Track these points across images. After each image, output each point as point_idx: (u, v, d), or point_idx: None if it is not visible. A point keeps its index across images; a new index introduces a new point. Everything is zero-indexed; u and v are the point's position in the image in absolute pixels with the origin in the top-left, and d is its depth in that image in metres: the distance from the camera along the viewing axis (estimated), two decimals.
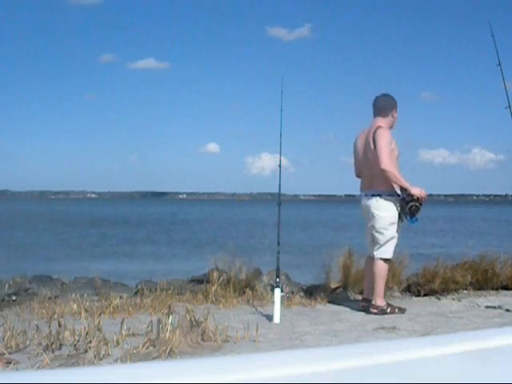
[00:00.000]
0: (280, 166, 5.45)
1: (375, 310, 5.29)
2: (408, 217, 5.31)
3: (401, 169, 5.43)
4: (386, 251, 5.34)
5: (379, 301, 5.33)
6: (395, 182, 5.29)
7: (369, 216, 5.41)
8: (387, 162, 5.20)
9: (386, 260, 5.36)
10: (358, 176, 5.63)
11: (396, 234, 5.36)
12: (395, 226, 5.35)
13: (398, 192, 5.35)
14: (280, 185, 5.43)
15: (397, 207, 5.34)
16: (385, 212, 5.34)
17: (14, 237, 19.58)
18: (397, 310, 5.36)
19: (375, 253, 5.35)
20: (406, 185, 5.27)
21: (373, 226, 5.36)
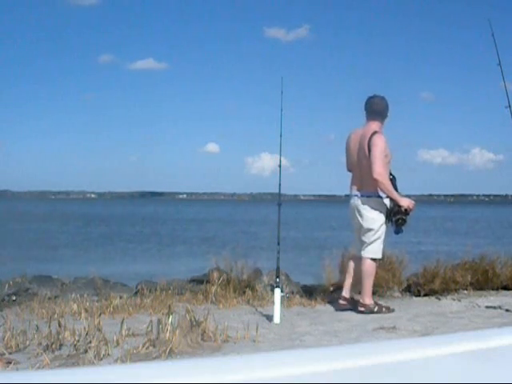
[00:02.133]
0: (280, 166, 5.45)
1: (363, 309, 5.30)
2: (393, 227, 5.34)
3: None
4: (375, 251, 5.36)
5: (367, 299, 5.34)
6: (385, 193, 5.30)
7: (357, 215, 5.42)
8: (380, 172, 5.21)
9: (374, 259, 5.38)
10: (349, 170, 5.65)
11: (383, 235, 5.37)
12: (384, 227, 5.36)
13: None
14: (280, 185, 5.44)
15: (386, 208, 5.35)
16: (374, 212, 5.36)
17: (13, 237, 19.58)
18: (384, 309, 5.37)
19: (363, 252, 5.37)
20: (396, 196, 5.28)
21: (362, 226, 5.38)
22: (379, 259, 5.49)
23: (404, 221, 5.31)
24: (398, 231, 5.36)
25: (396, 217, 5.29)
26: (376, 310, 5.32)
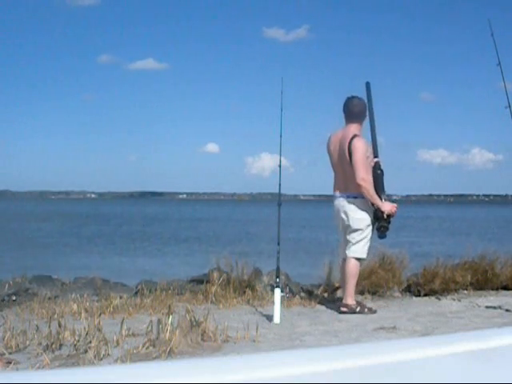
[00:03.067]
0: (280, 166, 5.45)
1: (345, 309, 5.27)
2: (377, 233, 5.35)
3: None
4: (360, 251, 5.33)
5: (350, 300, 5.30)
6: (368, 198, 5.29)
7: (342, 216, 5.40)
8: (363, 177, 5.20)
9: (359, 259, 5.36)
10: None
11: (370, 235, 5.36)
12: (370, 228, 5.35)
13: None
14: (280, 185, 5.43)
15: (372, 208, 5.33)
16: (360, 213, 5.33)
17: (13, 237, 19.58)
18: (366, 309, 5.33)
19: (347, 252, 5.34)
20: (378, 202, 5.25)
21: (348, 227, 5.36)
22: (363, 259, 5.46)
23: (386, 228, 5.31)
24: (381, 237, 5.38)
25: (379, 224, 5.29)
26: (358, 310, 5.28)
